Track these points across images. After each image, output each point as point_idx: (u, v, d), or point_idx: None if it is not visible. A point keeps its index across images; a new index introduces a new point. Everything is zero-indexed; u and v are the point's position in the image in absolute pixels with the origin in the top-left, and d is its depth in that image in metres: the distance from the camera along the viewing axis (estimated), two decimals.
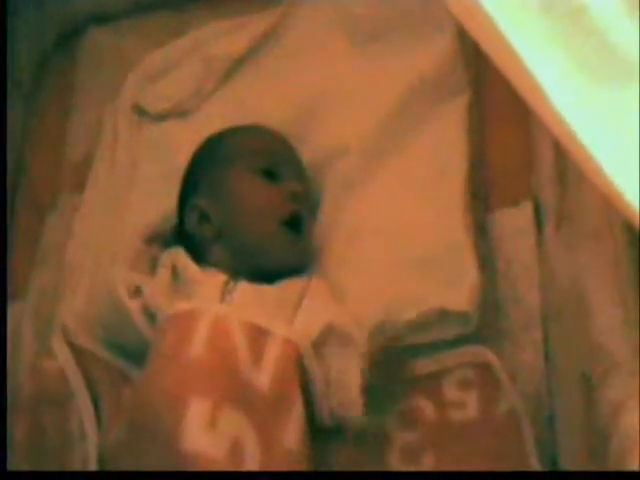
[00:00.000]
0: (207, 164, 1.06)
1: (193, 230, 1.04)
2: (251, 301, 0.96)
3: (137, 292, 0.99)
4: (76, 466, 0.92)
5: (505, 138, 1.13)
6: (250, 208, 1.02)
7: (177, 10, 1.30)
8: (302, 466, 0.90)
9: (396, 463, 0.93)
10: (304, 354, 0.93)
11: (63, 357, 0.98)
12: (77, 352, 0.99)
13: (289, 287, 1.00)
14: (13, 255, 1.15)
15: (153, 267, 1.03)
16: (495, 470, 0.88)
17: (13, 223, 1.17)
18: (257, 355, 0.91)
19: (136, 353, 0.98)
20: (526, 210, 1.06)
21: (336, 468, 0.94)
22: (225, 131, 1.09)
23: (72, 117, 1.23)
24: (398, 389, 0.97)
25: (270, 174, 1.03)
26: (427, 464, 0.92)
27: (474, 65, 1.16)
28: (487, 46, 0.56)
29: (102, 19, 1.31)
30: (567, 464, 0.88)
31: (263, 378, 0.90)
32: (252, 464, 0.86)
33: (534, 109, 0.60)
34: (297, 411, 0.91)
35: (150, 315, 0.97)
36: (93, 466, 0.91)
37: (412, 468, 0.93)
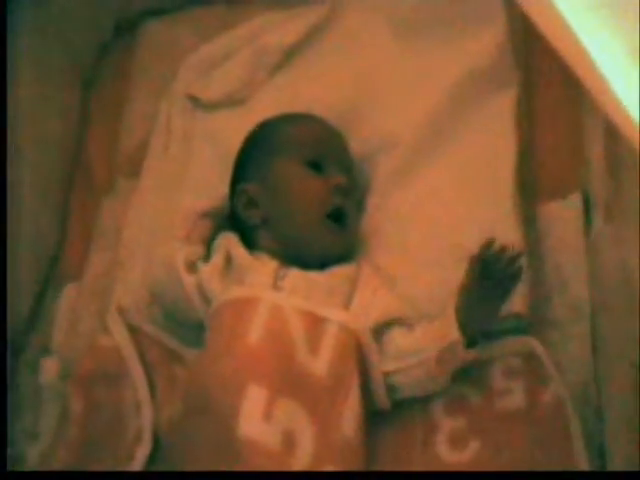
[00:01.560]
0: (257, 150, 1.08)
1: (241, 214, 1.05)
2: (302, 288, 0.97)
3: (193, 267, 1.01)
4: (130, 441, 0.94)
5: (554, 130, 1.13)
6: (295, 198, 1.03)
7: (230, 3, 1.32)
8: (358, 453, 0.91)
9: (443, 449, 0.94)
10: (362, 339, 0.94)
11: (119, 336, 1.01)
12: (132, 331, 1.02)
13: (338, 274, 1.00)
14: (70, 238, 1.18)
15: (206, 241, 1.05)
16: (499, 471, 0.89)
17: (70, 206, 1.21)
18: (314, 342, 0.92)
19: (189, 332, 1.01)
20: (575, 202, 1.06)
21: (385, 454, 0.95)
22: (277, 118, 1.10)
23: (129, 105, 1.26)
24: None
25: (316, 166, 1.04)
26: (473, 451, 0.93)
27: (524, 57, 1.16)
28: (545, 27, 0.57)
29: (158, 12, 1.34)
30: (615, 453, 0.88)
31: (321, 365, 0.91)
32: (305, 455, 0.87)
33: (590, 93, 0.60)
34: (355, 397, 0.92)
35: (204, 295, 0.99)
36: (147, 441, 0.93)
37: (458, 454, 0.93)
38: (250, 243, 1.04)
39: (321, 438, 0.88)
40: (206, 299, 0.98)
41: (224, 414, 0.86)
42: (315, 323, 0.93)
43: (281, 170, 1.04)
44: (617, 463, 0.87)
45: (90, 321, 1.07)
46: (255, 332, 0.91)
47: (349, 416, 0.90)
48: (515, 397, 0.94)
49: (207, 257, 1.03)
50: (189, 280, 0.99)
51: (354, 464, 0.90)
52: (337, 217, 1.03)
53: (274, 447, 0.85)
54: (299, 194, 1.03)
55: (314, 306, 0.94)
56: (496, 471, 0.90)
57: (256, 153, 1.07)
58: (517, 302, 0.97)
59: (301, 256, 1.01)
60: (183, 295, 1.00)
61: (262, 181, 1.05)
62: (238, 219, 1.06)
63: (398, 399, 0.97)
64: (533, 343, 0.96)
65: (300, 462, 0.87)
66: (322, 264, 1.01)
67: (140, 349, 1.00)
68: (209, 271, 0.99)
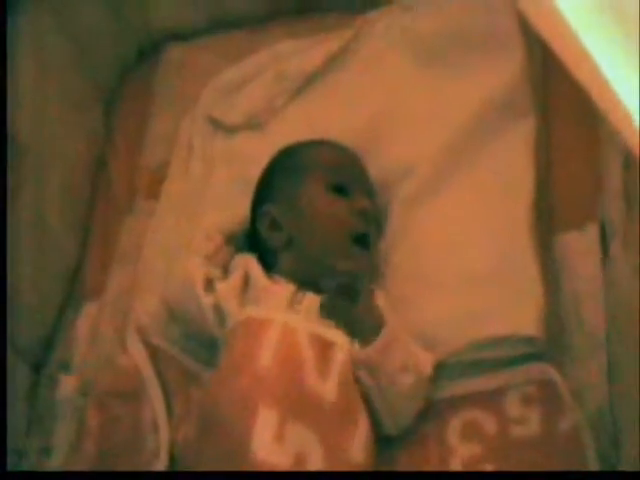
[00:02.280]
0: (281, 173, 1.08)
1: (264, 235, 1.06)
2: (317, 312, 0.98)
3: (210, 286, 1.01)
4: (146, 459, 0.95)
5: (572, 159, 1.13)
6: (320, 222, 1.03)
7: (252, 29, 1.34)
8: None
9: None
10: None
11: (137, 354, 1.01)
12: (151, 350, 1.02)
13: None
14: (91, 256, 1.19)
15: (226, 265, 1.05)
16: (500, 471, 0.89)
17: (92, 225, 1.22)
18: (324, 367, 0.92)
19: (206, 352, 1.01)
20: (592, 232, 1.06)
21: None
22: (302, 142, 1.11)
23: (150, 126, 1.27)
24: (460, 403, 0.98)
25: (342, 190, 1.05)
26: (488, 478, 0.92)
27: (541, 86, 1.17)
28: (564, 56, 0.57)
29: (180, 37, 1.36)
30: None
31: (330, 390, 0.91)
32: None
33: (609, 120, 0.60)
34: (363, 422, 0.92)
35: (220, 314, 0.99)
36: (164, 459, 0.93)
37: None
38: (269, 265, 1.04)
39: (331, 462, 0.88)
40: (222, 319, 0.99)
41: (237, 435, 0.86)
42: (325, 347, 0.93)
43: (306, 193, 1.05)
44: None
45: (109, 339, 1.08)
46: (266, 354, 0.91)
47: (358, 441, 0.90)
48: (531, 425, 0.94)
49: (224, 278, 1.03)
50: (206, 299, 1.00)
51: None
52: (361, 242, 1.04)
53: (285, 469, 0.85)
54: (325, 218, 1.03)
55: (324, 330, 0.95)
56: (497, 471, 0.89)
57: (280, 175, 1.08)
58: (530, 325, 0.97)
59: (321, 279, 1.01)
60: (200, 313, 1.00)
61: (286, 203, 1.05)
62: (259, 240, 1.06)
63: (406, 425, 0.97)
64: (550, 371, 0.96)
65: None
66: None
67: (158, 368, 1.01)
68: (226, 290, 1.00)
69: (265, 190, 1.09)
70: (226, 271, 1.05)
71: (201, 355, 1.02)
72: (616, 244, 1.03)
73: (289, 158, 1.10)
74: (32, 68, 1.14)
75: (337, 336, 0.95)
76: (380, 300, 1.02)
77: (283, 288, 1.00)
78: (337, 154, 1.09)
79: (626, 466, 0.88)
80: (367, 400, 0.94)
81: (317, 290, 1.00)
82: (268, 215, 1.06)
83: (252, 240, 1.09)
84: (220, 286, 1.00)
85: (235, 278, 1.02)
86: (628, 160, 0.98)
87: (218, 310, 0.99)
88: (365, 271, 1.04)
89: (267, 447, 0.85)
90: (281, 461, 0.85)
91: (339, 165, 1.07)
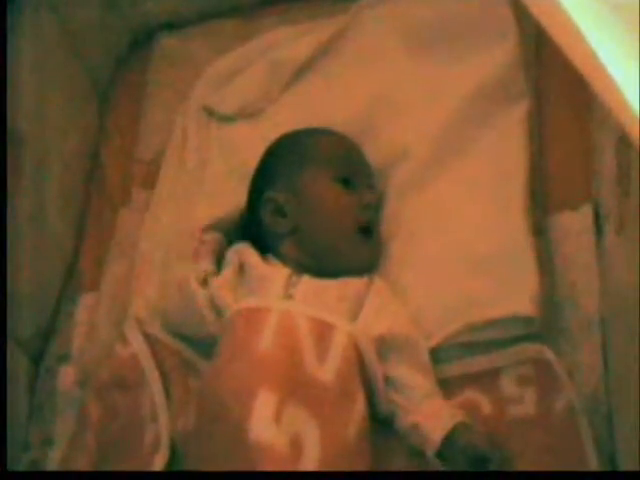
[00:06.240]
0: (286, 160, 1.08)
1: (266, 222, 1.06)
2: (313, 295, 0.98)
3: (204, 282, 1.02)
4: (147, 449, 0.95)
5: (565, 142, 1.14)
6: (327, 213, 1.04)
7: (244, 17, 1.34)
8: (363, 461, 0.92)
9: None
10: (365, 350, 0.95)
11: (137, 344, 1.02)
12: (149, 340, 1.03)
13: (351, 284, 1.02)
14: (87, 247, 1.20)
15: (215, 253, 1.06)
16: (502, 470, 0.90)
17: (87, 216, 1.23)
18: (322, 350, 0.93)
19: (202, 344, 1.01)
20: (586, 213, 1.07)
21: (395, 463, 0.96)
22: (305, 130, 1.11)
23: (144, 117, 1.28)
24: (456, 384, 0.98)
25: (347, 183, 1.06)
26: None
27: (535, 70, 1.17)
28: (558, 38, 0.58)
29: (173, 26, 1.36)
30: (626, 461, 0.88)
31: (328, 373, 0.92)
32: (311, 460, 0.87)
33: (603, 101, 0.60)
34: (360, 404, 0.93)
35: (217, 309, 1.00)
36: (164, 449, 0.94)
37: None
38: (266, 249, 1.05)
39: (327, 443, 0.88)
40: (218, 311, 1.00)
41: (236, 419, 0.87)
42: (323, 331, 0.94)
43: (313, 184, 1.05)
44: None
45: (108, 330, 1.09)
46: (265, 340, 0.92)
47: (355, 423, 0.91)
48: (527, 404, 0.95)
49: (219, 271, 1.05)
50: (202, 296, 1.00)
51: (359, 469, 0.91)
52: (366, 232, 1.05)
53: (283, 451, 0.86)
54: (332, 210, 1.04)
55: (323, 313, 0.96)
56: (497, 471, 0.90)
57: (285, 163, 1.08)
58: (527, 305, 0.97)
59: (325, 265, 1.02)
60: (196, 311, 1.00)
61: (292, 192, 1.05)
62: (258, 225, 1.07)
63: None
64: (545, 350, 0.97)
65: (307, 467, 0.87)
66: (342, 274, 1.02)
67: (157, 358, 1.02)
68: (221, 284, 1.01)
69: (267, 176, 1.09)
70: (219, 262, 1.06)
71: (200, 346, 1.03)
72: (610, 226, 1.03)
73: (293, 146, 1.09)
74: (30, 61, 1.14)
75: (336, 318, 0.96)
76: (385, 286, 1.03)
77: (279, 272, 1.00)
78: (342, 145, 1.10)
79: (621, 448, 0.89)
80: (367, 381, 0.95)
81: (314, 273, 1.01)
82: (273, 201, 1.06)
83: (249, 225, 1.09)
84: (214, 282, 1.01)
85: (229, 271, 1.03)
86: (621, 142, 0.99)
87: (215, 305, 1.00)
88: (371, 259, 1.05)
89: (264, 428, 0.86)
90: (278, 442, 0.86)
91: (345, 157, 1.08)
